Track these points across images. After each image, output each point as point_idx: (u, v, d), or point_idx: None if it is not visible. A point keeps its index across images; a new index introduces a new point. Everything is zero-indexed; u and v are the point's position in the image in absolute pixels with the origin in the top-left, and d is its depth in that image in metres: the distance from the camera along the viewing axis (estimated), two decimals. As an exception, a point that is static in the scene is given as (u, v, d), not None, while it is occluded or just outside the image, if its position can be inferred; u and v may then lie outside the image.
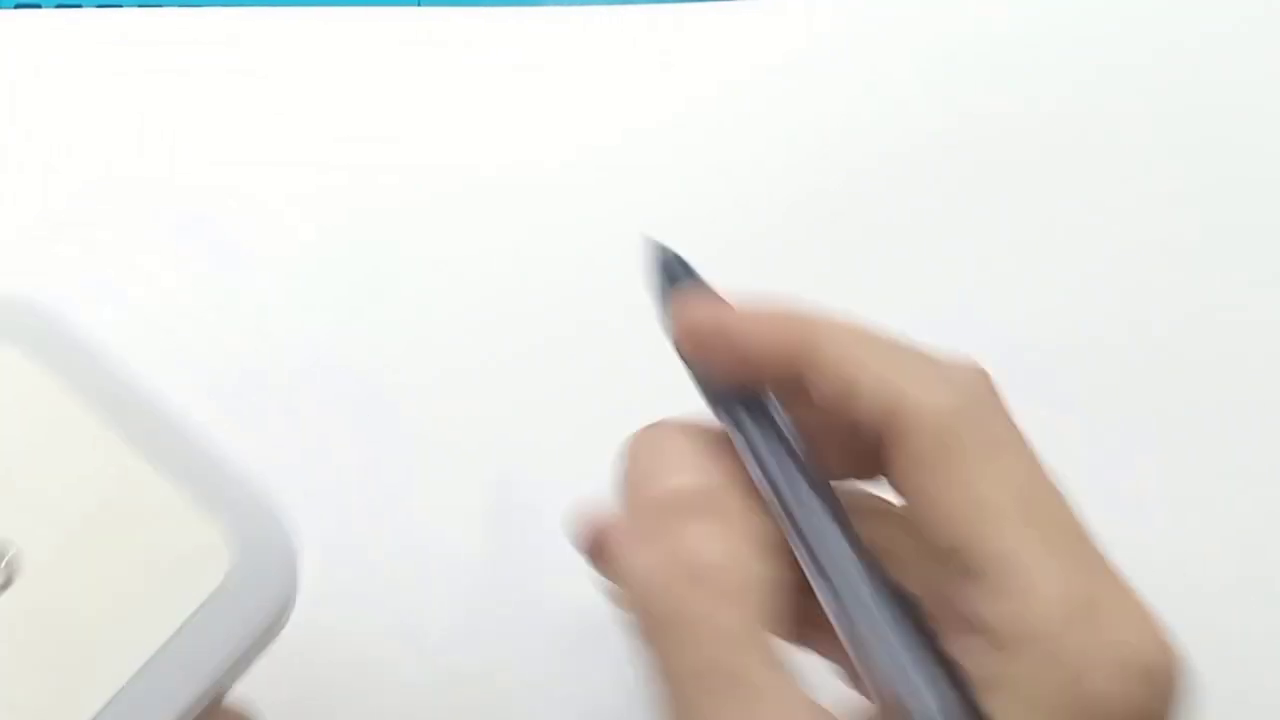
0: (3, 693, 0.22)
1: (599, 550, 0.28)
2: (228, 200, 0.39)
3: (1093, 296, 0.41)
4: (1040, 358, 0.40)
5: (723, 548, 0.24)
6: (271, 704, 0.26)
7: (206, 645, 0.23)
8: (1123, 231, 0.41)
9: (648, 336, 0.30)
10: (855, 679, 0.26)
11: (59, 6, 0.41)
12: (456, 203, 0.40)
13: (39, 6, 0.41)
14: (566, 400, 0.38)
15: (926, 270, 0.40)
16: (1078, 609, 0.22)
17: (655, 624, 0.24)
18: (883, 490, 0.26)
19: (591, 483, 0.28)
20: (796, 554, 0.25)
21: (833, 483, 0.26)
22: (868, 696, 0.24)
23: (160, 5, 0.41)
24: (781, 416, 0.26)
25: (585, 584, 0.28)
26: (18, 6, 0.41)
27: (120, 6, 0.41)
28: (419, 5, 0.42)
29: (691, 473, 0.26)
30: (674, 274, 0.30)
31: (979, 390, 0.25)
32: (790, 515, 0.25)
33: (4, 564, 0.23)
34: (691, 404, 0.28)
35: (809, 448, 0.26)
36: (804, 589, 0.25)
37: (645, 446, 0.27)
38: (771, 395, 0.27)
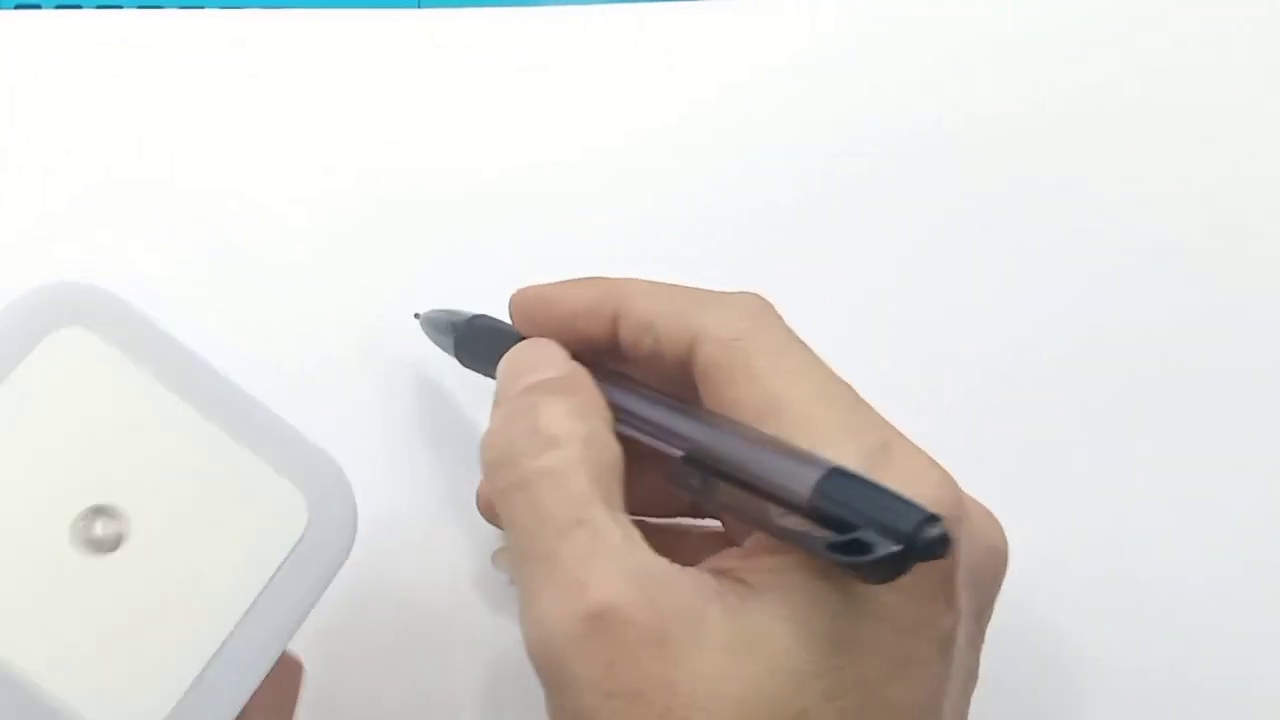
0: (124, 642, 0.24)
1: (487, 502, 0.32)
2: (228, 202, 0.39)
3: (1097, 297, 0.40)
4: (1044, 358, 0.40)
5: (577, 420, 0.27)
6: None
7: (296, 587, 0.26)
8: (1128, 233, 0.41)
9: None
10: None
11: (59, 7, 0.41)
12: (458, 204, 0.40)
13: (39, 7, 0.41)
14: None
15: (930, 271, 0.40)
16: (872, 454, 0.25)
17: (515, 484, 0.27)
18: None
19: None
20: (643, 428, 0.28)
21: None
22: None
23: (161, 6, 0.41)
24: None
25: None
26: (18, 6, 0.41)
27: (120, 7, 0.41)
28: (420, 7, 0.42)
29: (558, 366, 0.29)
30: (440, 323, 0.34)
31: (760, 310, 0.29)
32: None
33: (115, 526, 0.25)
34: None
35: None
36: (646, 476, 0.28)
37: (521, 351, 0.30)
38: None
